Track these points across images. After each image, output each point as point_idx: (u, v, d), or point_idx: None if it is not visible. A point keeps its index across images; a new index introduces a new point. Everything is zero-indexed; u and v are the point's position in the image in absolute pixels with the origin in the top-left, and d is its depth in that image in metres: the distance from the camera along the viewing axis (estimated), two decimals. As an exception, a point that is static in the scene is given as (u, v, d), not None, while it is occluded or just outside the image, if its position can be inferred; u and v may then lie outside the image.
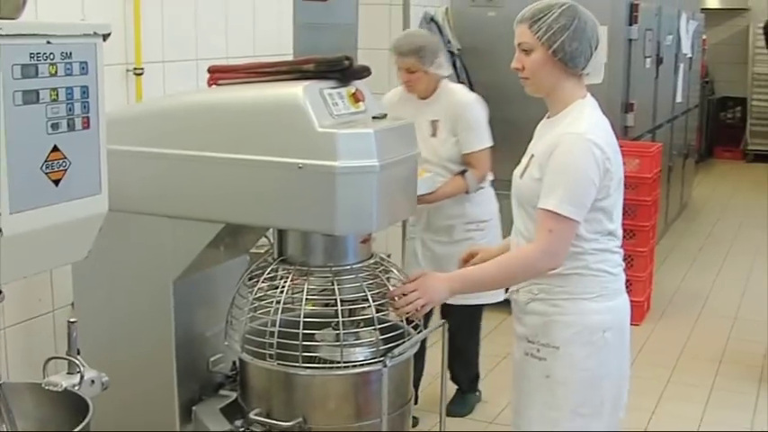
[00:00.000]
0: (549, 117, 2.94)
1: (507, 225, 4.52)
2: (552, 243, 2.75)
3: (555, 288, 2.86)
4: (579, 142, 2.74)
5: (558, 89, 2.87)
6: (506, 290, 3.03)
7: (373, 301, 2.67)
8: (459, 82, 6.25)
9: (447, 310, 3.10)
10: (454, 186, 4.28)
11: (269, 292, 2.70)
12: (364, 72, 2.81)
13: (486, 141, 4.35)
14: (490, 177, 4.48)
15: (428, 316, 3.01)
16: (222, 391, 3.00)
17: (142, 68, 3.74)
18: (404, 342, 2.70)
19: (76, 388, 2.27)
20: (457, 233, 4.36)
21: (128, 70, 3.70)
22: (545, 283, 2.87)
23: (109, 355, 2.82)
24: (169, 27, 3.94)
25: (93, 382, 2.33)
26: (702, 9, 11.08)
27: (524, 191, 2.87)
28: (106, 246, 2.28)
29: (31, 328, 3.37)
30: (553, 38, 2.78)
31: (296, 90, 2.56)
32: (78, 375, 2.29)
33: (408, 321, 2.81)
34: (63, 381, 2.27)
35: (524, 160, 2.92)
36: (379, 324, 2.69)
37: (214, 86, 2.89)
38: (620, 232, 2.93)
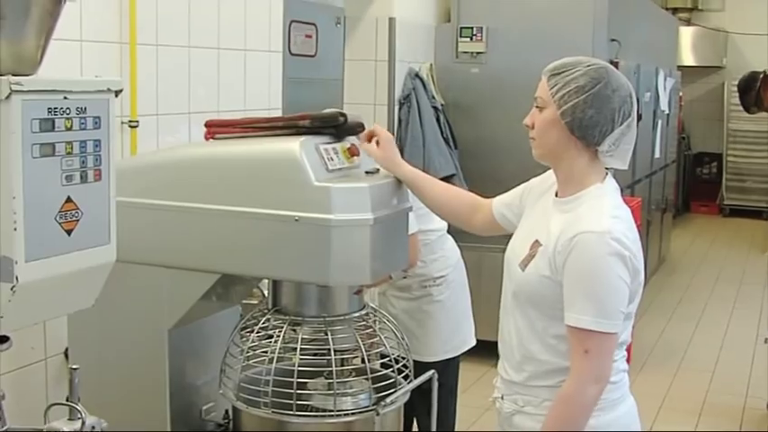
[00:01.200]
0: (558, 196, 2.56)
1: (475, 276, 4.53)
2: (593, 366, 2.38)
3: (542, 402, 2.53)
4: (603, 244, 2.35)
5: (566, 161, 2.49)
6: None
7: (365, 351, 2.74)
8: (443, 137, 6.36)
9: (415, 369, 2.97)
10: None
11: (263, 342, 2.76)
12: (358, 128, 2.89)
13: (410, 228, 3.74)
14: (424, 267, 4.19)
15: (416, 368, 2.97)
16: (214, 440, 3.04)
17: (137, 121, 3.81)
18: (395, 391, 2.76)
19: (77, 434, 2.31)
20: (414, 290, 4.25)
21: (123, 122, 3.78)
22: (531, 395, 2.56)
23: (103, 402, 2.84)
24: (163, 81, 4.02)
25: (93, 428, 2.36)
26: (679, 66, 11.30)
27: (528, 287, 2.51)
28: (103, 294, 2.33)
29: (23, 376, 3.41)
30: (566, 98, 2.41)
31: (293, 145, 2.63)
32: (80, 421, 2.32)
33: (399, 372, 2.86)
34: (65, 427, 2.29)
35: (524, 245, 2.56)
36: (371, 374, 2.75)
37: (211, 140, 2.96)
38: (629, 339, 2.55)
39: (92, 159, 1.97)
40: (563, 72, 2.44)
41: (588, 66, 2.44)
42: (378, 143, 2.83)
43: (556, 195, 2.58)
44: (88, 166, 1.96)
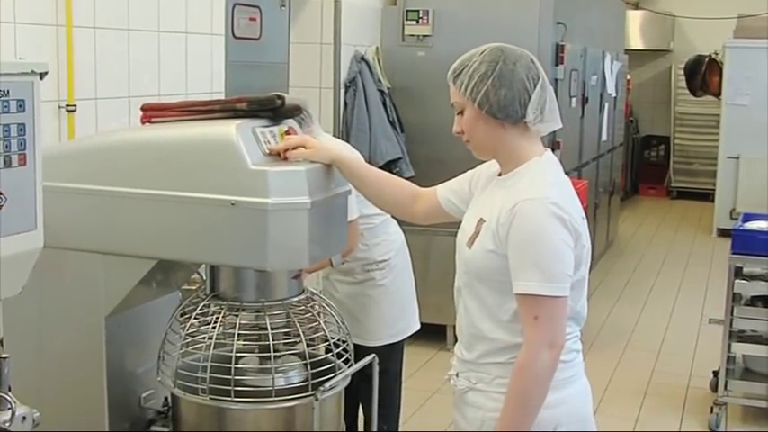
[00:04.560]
0: (499, 175, 2.61)
1: (422, 260, 4.56)
2: (544, 332, 2.37)
3: (494, 379, 2.53)
4: (541, 208, 2.39)
5: (502, 146, 2.55)
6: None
7: (304, 336, 2.72)
8: (389, 121, 6.35)
9: (358, 353, 2.94)
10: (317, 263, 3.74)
11: (201, 328, 2.73)
12: (296, 111, 2.87)
13: (351, 213, 3.62)
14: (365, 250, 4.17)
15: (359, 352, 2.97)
16: (154, 428, 2.99)
17: (75, 105, 3.76)
18: (335, 376, 2.74)
19: (7, 424, 2.26)
20: (357, 274, 4.23)
21: (60, 107, 3.72)
22: (483, 372, 2.56)
23: (39, 391, 2.81)
24: (102, 64, 3.97)
25: (24, 418, 2.31)
26: (626, 50, 11.36)
27: (476, 264, 2.53)
28: (38, 281, 2.29)
29: (-42, 366, 3.34)
30: (476, 90, 2.47)
31: (229, 129, 2.60)
32: (9, 411, 2.27)
33: (339, 356, 2.84)
34: (-6, 417, 2.26)
35: (470, 224, 2.59)
36: (310, 358, 2.73)
37: (147, 124, 2.92)
38: (584, 312, 2.58)
39: (16, 143, 1.93)
40: (462, 70, 2.51)
41: (482, 53, 2.51)
42: (303, 146, 2.68)
43: (499, 176, 2.63)
44: (12, 150, 1.92)
